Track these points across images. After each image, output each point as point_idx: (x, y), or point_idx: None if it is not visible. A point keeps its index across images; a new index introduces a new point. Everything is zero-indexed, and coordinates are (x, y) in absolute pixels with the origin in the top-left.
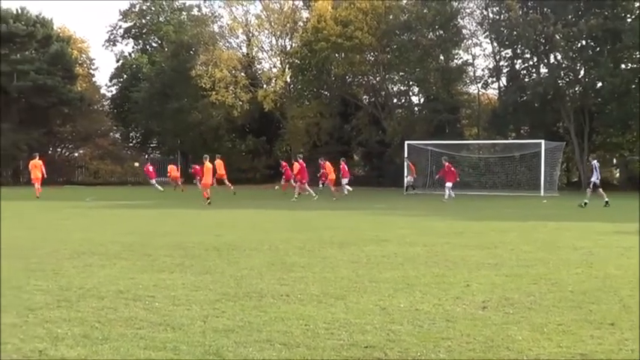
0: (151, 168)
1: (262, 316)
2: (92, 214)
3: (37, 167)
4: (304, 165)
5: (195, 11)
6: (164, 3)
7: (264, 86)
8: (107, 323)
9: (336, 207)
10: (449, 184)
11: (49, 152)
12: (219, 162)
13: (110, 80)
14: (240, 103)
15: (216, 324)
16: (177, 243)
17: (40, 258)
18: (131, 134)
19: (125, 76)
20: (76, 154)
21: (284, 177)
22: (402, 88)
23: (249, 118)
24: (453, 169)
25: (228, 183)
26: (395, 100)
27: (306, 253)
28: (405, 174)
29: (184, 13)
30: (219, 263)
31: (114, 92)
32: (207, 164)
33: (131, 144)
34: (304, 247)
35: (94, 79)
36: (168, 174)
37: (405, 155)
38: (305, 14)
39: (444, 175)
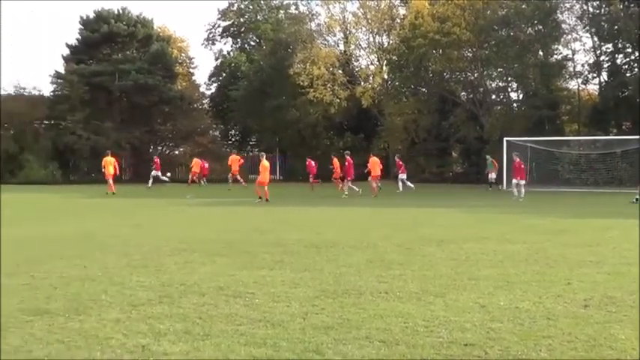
0: (158, 160)
1: (361, 314)
2: (192, 212)
3: (110, 164)
4: (351, 162)
5: (292, 9)
6: (262, 2)
7: (362, 83)
8: (208, 319)
9: (434, 205)
10: (515, 181)
11: (150, 150)
12: (234, 157)
13: (209, 79)
14: (338, 100)
15: (316, 321)
16: (276, 240)
17: (142, 255)
18: (230, 132)
19: (224, 74)
20: (177, 152)
21: (311, 175)
22: (500, 84)
23: (347, 115)
24: (522, 165)
25: (240, 179)
26: (493, 97)
27: (405, 250)
28: (487, 171)
29: (282, 11)
30: (318, 260)
31: (213, 90)
32: (264, 162)
33: (230, 142)
34: (403, 245)
35: (193, 78)
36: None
37: (504, 152)
38: (402, 11)
39: (513, 172)
